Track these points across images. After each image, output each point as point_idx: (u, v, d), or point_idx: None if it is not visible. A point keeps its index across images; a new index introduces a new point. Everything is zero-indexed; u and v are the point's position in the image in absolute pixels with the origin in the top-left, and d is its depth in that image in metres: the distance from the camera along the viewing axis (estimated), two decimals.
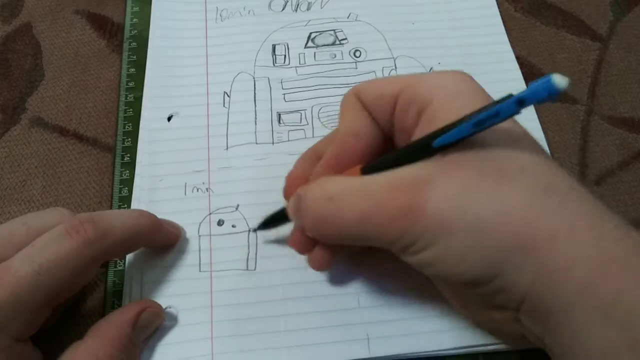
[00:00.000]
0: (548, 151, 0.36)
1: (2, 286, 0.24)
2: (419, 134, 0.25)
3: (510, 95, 0.20)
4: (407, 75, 0.28)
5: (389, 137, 0.28)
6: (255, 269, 0.32)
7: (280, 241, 0.32)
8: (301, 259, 0.30)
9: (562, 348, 0.22)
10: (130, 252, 0.32)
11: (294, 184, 0.29)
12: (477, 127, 0.21)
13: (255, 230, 0.32)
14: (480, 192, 0.22)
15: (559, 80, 0.19)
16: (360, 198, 0.24)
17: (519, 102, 0.20)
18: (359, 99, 0.27)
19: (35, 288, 0.24)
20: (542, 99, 0.19)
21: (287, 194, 0.30)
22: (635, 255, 0.20)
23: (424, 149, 0.23)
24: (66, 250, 0.25)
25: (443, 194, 0.22)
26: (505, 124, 0.22)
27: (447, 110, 0.23)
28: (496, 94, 0.38)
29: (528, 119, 0.38)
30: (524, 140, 0.23)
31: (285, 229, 0.31)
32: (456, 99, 0.24)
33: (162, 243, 0.32)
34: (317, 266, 0.29)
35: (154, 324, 0.29)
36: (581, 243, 0.21)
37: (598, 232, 0.21)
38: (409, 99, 0.25)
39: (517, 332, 0.24)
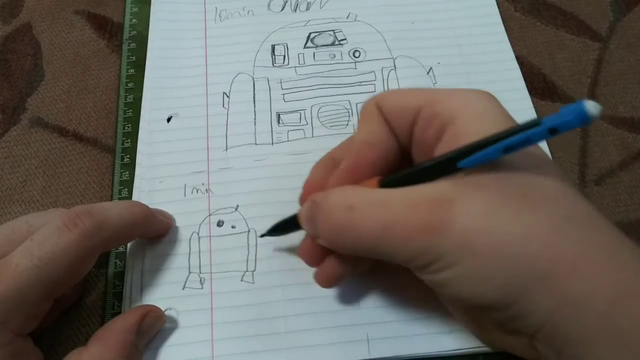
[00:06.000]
0: (548, 151, 0.36)
1: (3, 281, 0.24)
2: (441, 151, 0.24)
3: (538, 121, 0.20)
4: (431, 89, 0.27)
5: (406, 150, 0.27)
6: (255, 270, 0.32)
7: (280, 242, 0.32)
8: (301, 260, 0.30)
9: None
10: (126, 242, 0.32)
11: (311, 191, 0.28)
12: (506, 152, 0.21)
13: (262, 235, 0.32)
14: (504, 216, 0.21)
15: (592, 109, 0.18)
16: (383, 210, 0.23)
17: (552, 131, 0.20)
18: (379, 109, 0.27)
19: (35, 281, 0.25)
20: (574, 127, 0.19)
21: (304, 201, 0.29)
22: None
23: (447, 168, 0.23)
24: (65, 243, 0.26)
25: (469, 213, 0.22)
26: (528, 148, 0.21)
27: (472, 130, 0.23)
28: (496, 94, 0.38)
29: (527, 119, 0.38)
30: (546, 166, 0.23)
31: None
32: (482, 119, 0.24)
33: (155, 232, 0.32)
34: (323, 281, 0.28)
35: (156, 328, 0.30)
36: (600, 275, 0.20)
37: (616, 264, 0.21)
38: (432, 115, 0.25)
39: (530, 356, 0.24)
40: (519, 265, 0.21)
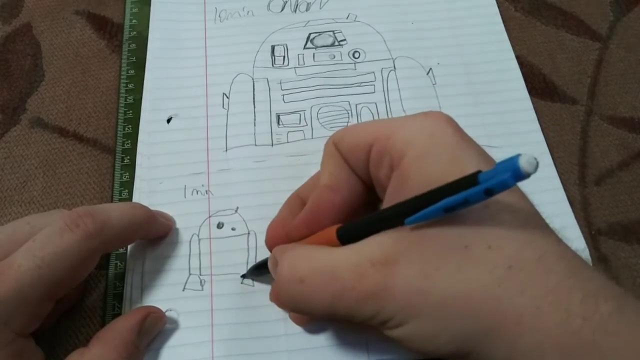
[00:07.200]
0: (548, 152, 0.36)
1: (5, 281, 0.24)
2: (390, 195, 0.24)
3: (477, 178, 0.20)
4: (383, 122, 0.27)
5: (370, 186, 0.27)
6: None
7: None
8: None
9: None
10: (127, 244, 0.32)
11: (274, 232, 0.29)
12: (447, 212, 0.21)
13: (242, 276, 0.32)
14: (443, 274, 0.22)
15: (526, 165, 0.17)
16: (330, 281, 0.23)
17: (487, 192, 0.19)
18: (337, 148, 0.27)
19: (37, 282, 0.25)
20: (510, 185, 0.18)
21: (269, 243, 0.29)
22: (602, 334, 0.20)
23: (395, 221, 0.23)
24: (67, 244, 0.26)
25: (408, 275, 0.22)
26: None
27: (417, 171, 0.23)
28: (496, 94, 0.38)
29: (527, 120, 0.38)
30: (493, 207, 0.22)
31: None
32: (427, 158, 0.23)
33: (156, 234, 0.33)
34: (296, 322, 0.30)
35: (157, 329, 0.30)
36: (547, 327, 0.20)
37: (564, 313, 0.20)
38: (381, 152, 0.25)
39: None
40: (463, 322, 0.21)
